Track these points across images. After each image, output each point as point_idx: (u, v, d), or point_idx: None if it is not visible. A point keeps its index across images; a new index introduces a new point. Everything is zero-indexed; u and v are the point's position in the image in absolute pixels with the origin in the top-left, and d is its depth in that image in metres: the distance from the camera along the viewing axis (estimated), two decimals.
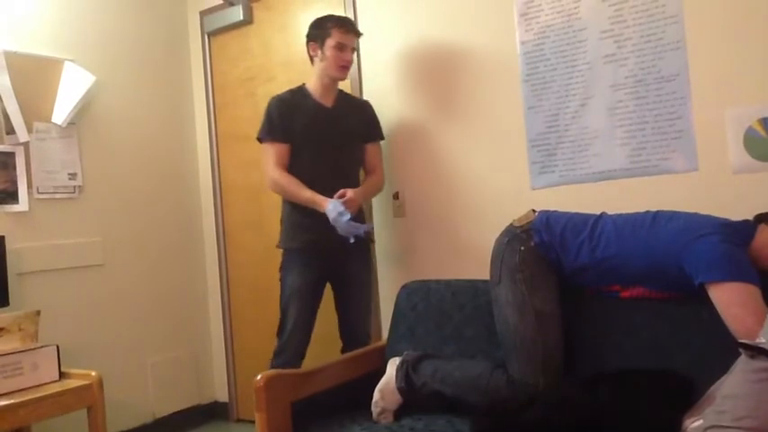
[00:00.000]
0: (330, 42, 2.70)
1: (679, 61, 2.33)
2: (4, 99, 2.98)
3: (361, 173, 2.89)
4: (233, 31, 3.69)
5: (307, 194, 2.64)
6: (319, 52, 2.74)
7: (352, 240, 2.57)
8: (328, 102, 2.80)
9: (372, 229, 2.91)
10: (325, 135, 2.73)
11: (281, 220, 2.84)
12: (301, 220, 2.71)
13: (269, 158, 2.72)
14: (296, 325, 2.70)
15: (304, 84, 2.82)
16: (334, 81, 2.79)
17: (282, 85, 3.45)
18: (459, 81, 2.84)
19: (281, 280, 2.79)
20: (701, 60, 2.29)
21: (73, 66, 3.24)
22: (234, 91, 3.72)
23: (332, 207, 2.55)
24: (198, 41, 3.84)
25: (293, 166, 2.72)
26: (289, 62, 3.45)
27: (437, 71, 2.90)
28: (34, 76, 3.13)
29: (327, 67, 2.73)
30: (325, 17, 2.76)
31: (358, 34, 2.80)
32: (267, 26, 3.54)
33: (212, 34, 3.79)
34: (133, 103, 3.57)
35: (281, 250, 2.81)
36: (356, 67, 3.09)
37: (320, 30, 2.74)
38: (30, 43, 3.14)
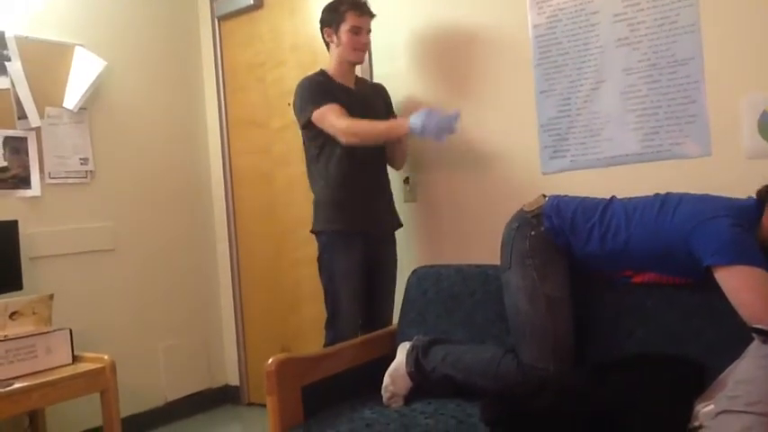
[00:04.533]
0: (345, 26, 2.68)
1: (693, 45, 2.30)
2: (15, 84, 2.99)
3: None
4: (243, 16, 3.68)
5: (381, 127, 2.61)
6: (335, 37, 2.71)
7: (443, 139, 2.46)
8: (350, 84, 2.78)
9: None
10: (356, 114, 2.66)
11: (314, 203, 2.75)
12: (341, 200, 2.65)
13: (329, 116, 2.58)
14: (351, 310, 2.64)
15: (323, 69, 2.77)
16: (352, 65, 2.77)
17: (292, 71, 3.46)
18: (470, 65, 2.83)
19: (323, 264, 2.70)
20: (716, 44, 2.26)
21: (84, 51, 3.25)
22: (244, 76, 3.71)
23: (414, 117, 2.45)
24: (208, 26, 3.83)
25: (329, 152, 2.66)
26: (298, 47, 3.43)
27: (448, 55, 2.88)
28: (45, 62, 3.14)
29: (344, 51, 2.71)
30: (338, 0, 2.72)
31: (372, 15, 2.76)
32: (277, 11, 3.53)
33: (222, 19, 3.78)
34: (144, 89, 3.58)
35: (316, 234, 2.72)
36: (368, 56, 3.08)
37: (334, 14, 2.70)
38: (40, 28, 3.14)
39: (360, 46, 2.71)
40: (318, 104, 2.60)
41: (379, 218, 2.77)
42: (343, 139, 2.57)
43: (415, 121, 2.44)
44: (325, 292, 2.70)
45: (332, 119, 2.57)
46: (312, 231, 2.74)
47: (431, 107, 2.54)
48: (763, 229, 1.79)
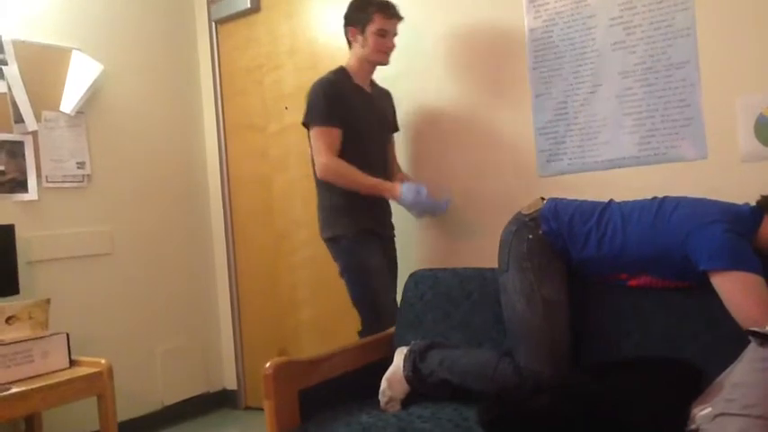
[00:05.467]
0: (371, 28, 2.61)
1: (689, 48, 2.31)
2: (12, 88, 2.99)
3: None
4: (240, 19, 3.69)
5: (369, 181, 2.56)
6: (359, 37, 2.64)
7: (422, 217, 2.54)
8: (367, 86, 2.75)
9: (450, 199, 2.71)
10: (370, 121, 2.67)
11: (323, 208, 2.69)
12: (357, 203, 2.60)
13: (320, 144, 2.57)
14: (391, 307, 2.59)
15: (343, 66, 2.71)
16: (374, 66, 2.74)
17: (289, 74, 3.46)
18: (466, 67, 2.83)
19: (350, 268, 2.63)
20: (712, 47, 2.27)
21: (81, 55, 3.25)
22: (241, 79, 3.72)
23: (406, 189, 2.51)
24: (205, 30, 3.84)
25: (340, 155, 2.60)
26: (295, 50, 3.44)
27: (443, 58, 2.89)
28: (42, 66, 3.13)
29: (369, 53, 2.65)
30: (366, 0, 2.64)
31: (400, 18, 2.69)
32: (274, 14, 3.53)
33: (219, 22, 3.79)
34: (141, 92, 3.58)
35: (333, 239, 2.65)
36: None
37: (361, 14, 2.63)
38: (37, 32, 3.14)
39: (386, 49, 2.66)
40: (323, 123, 2.57)
41: (385, 220, 2.78)
42: (320, 173, 2.58)
43: (407, 195, 2.53)
44: (358, 298, 2.64)
45: (320, 148, 2.57)
46: (328, 238, 2.67)
47: (426, 188, 2.55)
48: (761, 239, 1.80)
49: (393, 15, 2.65)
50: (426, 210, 2.60)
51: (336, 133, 2.58)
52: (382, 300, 2.62)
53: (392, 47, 2.69)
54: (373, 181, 2.57)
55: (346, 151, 2.59)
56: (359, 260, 2.62)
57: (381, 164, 2.75)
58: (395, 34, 2.69)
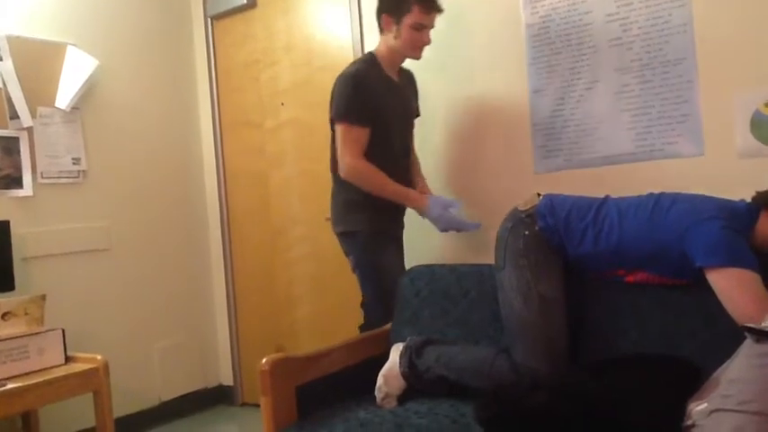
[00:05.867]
0: (408, 20, 2.44)
1: (685, 44, 2.31)
2: (7, 84, 2.98)
3: None
4: (236, 15, 3.67)
5: (397, 189, 2.48)
6: (393, 27, 2.48)
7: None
8: (395, 75, 2.62)
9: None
10: (396, 111, 2.58)
11: (338, 202, 2.62)
12: (376, 201, 2.52)
13: (347, 143, 2.45)
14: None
15: (373, 54, 2.58)
16: (405, 57, 2.60)
17: (285, 70, 3.46)
18: (463, 64, 2.82)
19: (366, 263, 2.57)
20: (708, 44, 2.27)
21: (76, 50, 3.23)
22: (238, 75, 3.71)
23: (433, 202, 2.47)
24: (201, 25, 3.82)
25: (369, 153, 2.49)
26: (292, 46, 3.43)
27: (441, 55, 2.88)
28: (37, 61, 3.12)
29: (402, 47, 2.51)
30: None
31: (441, 11, 2.51)
32: (270, 10, 3.52)
33: (215, 18, 3.77)
34: (136, 88, 3.56)
35: (348, 234, 2.59)
36: (361, 49, 3.09)
37: (400, 2, 2.45)
38: (32, 27, 3.13)
39: (420, 44, 2.51)
40: (351, 122, 2.46)
41: (399, 218, 2.71)
42: (345, 174, 2.48)
43: (433, 209, 2.49)
44: (369, 295, 2.60)
45: (347, 148, 2.46)
46: (341, 232, 2.61)
47: (460, 204, 2.57)
48: (757, 236, 1.80)
49: (434, 9, 2.48)
50: (452, 225, 2.53)
51: (365, 132, 2.47)
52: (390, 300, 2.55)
53: (428, 42, 2.53)
54: (401, 190, 2.50)
55: (372, 143, 2.49)
56: (373, 258, 2.56)
57: (404, 151, 2.67)
58: (432, 27, 2.53)
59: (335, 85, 2.51)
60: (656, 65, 2.37)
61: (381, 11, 2.51)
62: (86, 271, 3.27)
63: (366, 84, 2.48)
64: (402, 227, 2.76)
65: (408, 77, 2.75)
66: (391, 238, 2.66)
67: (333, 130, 2.56)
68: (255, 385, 2.27)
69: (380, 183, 2.49)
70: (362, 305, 2.74)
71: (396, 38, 2.49)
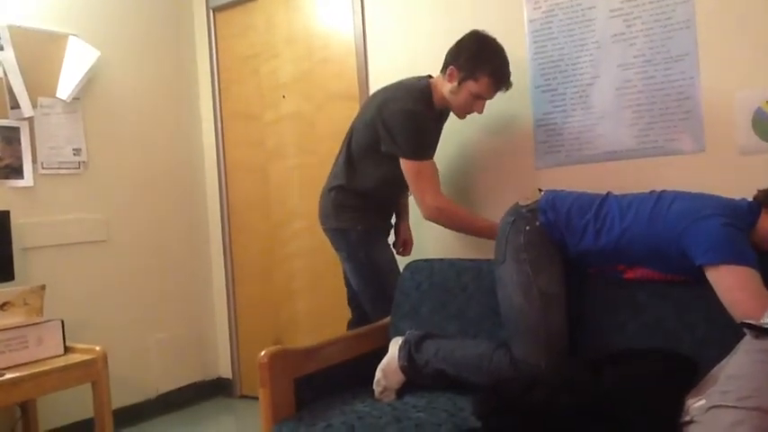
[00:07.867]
0: (473, 87, 2.37)
1: (688, 41, 2.30)
2: (8, 74, 2.97)
3: None
4: (238, 7, 3.66)
5: (484, 225, 2.44)
6: (456, 82, 2.39)
7: None
8: (441, 108, 2.56)
9: None
10: (437, 143, 2.60)
11: (334, 203, 2.57)
12: (373, 204, 2.56)
13: (424, 181, 2.41)
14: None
15: (429, 86, 2.48)
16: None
17: (286, 63, 3.45)
18: None
19: (361, 258, 2.55)
20: (711, 40, 2.26)
21: (77, 40, 3.23)
22: (238, 68, 3.70)
23: None
24: (203, 17, 3.81)
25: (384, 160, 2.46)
26: (293, 39, 3.42)
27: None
28: (38, 51, 3.11)
29: (455, 106, 2.46)
30: (487, 54, 2.38)
31: (508, 89, 2.46)
32: (272, 2, 3.51)
33: (217, 10, 3.76)
34: (137, 79, 3.56)
35: (343, 231, 2.57)
36: (362, 50, 3.10)
37: (473, 65, 2.36)
38: (34, 18, 3.12)
39: (472, 112, 2.47)
40: (421, 158, 2.41)
41: (391, 215, 2.77)
42: (429, 214, 2.46)
43: None
44: (373, 286, 2.59)
45: (428, 186, 2.42)
46: (335, 228, 2.58)
47: None
48: (758, 233, 1.80)
49: (501, 87, 2.43)
50: None
51: (434, 165, 2.47)
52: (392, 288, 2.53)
53: (480, 113, 2.48)
54: (485, 224, 2.44)
55: (394, 168, 2.45)
56: (368, 254, 2.56)
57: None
58: (490, 99, 2.46)
59: (396, 123, 2.40)
60: (659, 61, 2.36)
61: (452, 62, 2.41)
62: (86, 262, 3.27)
63: (426, 120, 2.44)
64: (391, 224, 2.78)
65: (448, 113, 2.65)
66: (383, 232, 2.69)
67: (370, 146, 2.49)
68: (254, 378, 2.28)
69: (468, 221, 2.50)
70: (349, 302, 2.76)
71: (452, 93, 2.42)
